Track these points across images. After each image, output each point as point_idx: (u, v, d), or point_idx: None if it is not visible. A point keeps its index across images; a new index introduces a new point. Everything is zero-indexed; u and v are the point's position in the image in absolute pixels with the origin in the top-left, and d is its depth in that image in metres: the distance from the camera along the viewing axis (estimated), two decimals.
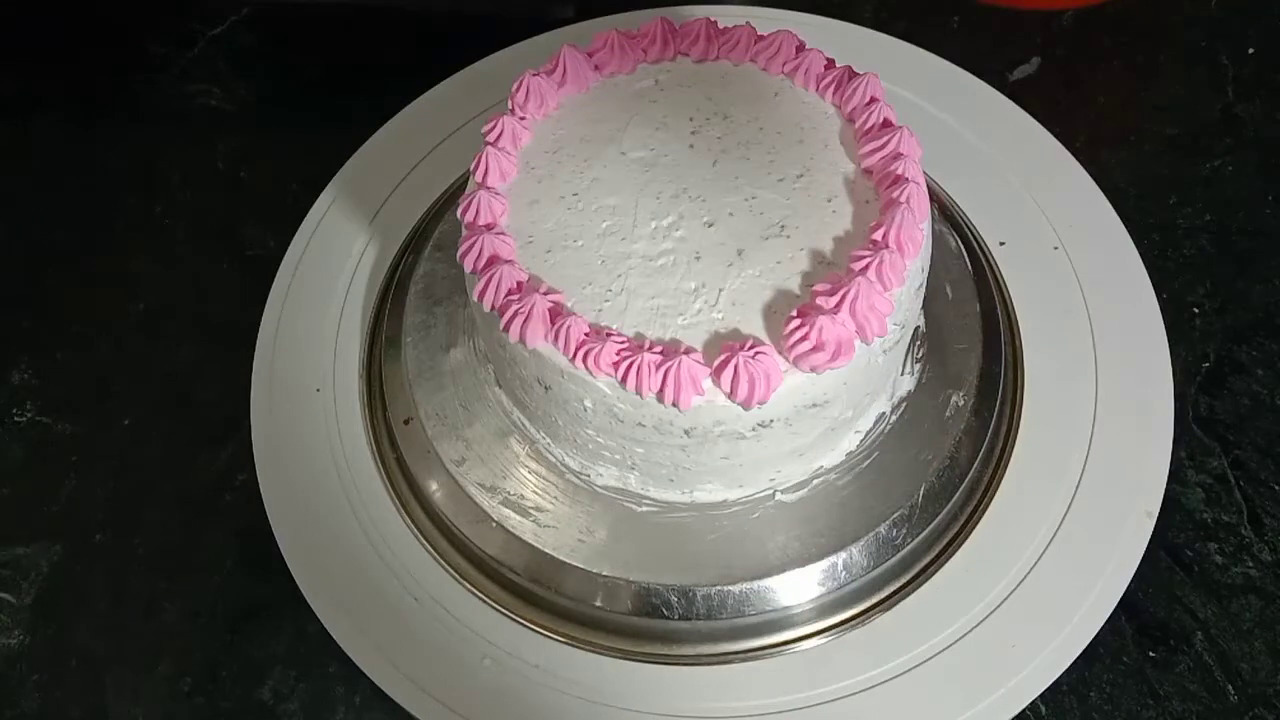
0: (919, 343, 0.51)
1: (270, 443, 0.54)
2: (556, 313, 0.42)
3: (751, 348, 0.40)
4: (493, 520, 0.48)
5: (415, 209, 0.60)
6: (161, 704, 0.49)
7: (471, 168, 0.46)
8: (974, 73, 0.63)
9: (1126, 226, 0.57)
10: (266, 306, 0.57)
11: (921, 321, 0.51)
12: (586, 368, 0.41)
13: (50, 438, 0.57)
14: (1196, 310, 0.56)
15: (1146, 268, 0.56)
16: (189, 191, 0.65)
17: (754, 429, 0.43)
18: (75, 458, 0.56)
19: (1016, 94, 0.62)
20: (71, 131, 0.69)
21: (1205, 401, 0.54)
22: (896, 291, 0.42)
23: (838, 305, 0.41)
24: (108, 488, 0.55)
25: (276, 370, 0.56)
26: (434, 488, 0.51)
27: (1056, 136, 0.60)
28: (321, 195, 0.61)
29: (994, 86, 0.62)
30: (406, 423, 0.52)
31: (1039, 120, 0.61)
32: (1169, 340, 0.54)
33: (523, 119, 0.47)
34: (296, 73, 0.71)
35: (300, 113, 0.69)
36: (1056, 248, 0.57)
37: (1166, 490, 0.50)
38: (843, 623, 0.48)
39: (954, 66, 0.63)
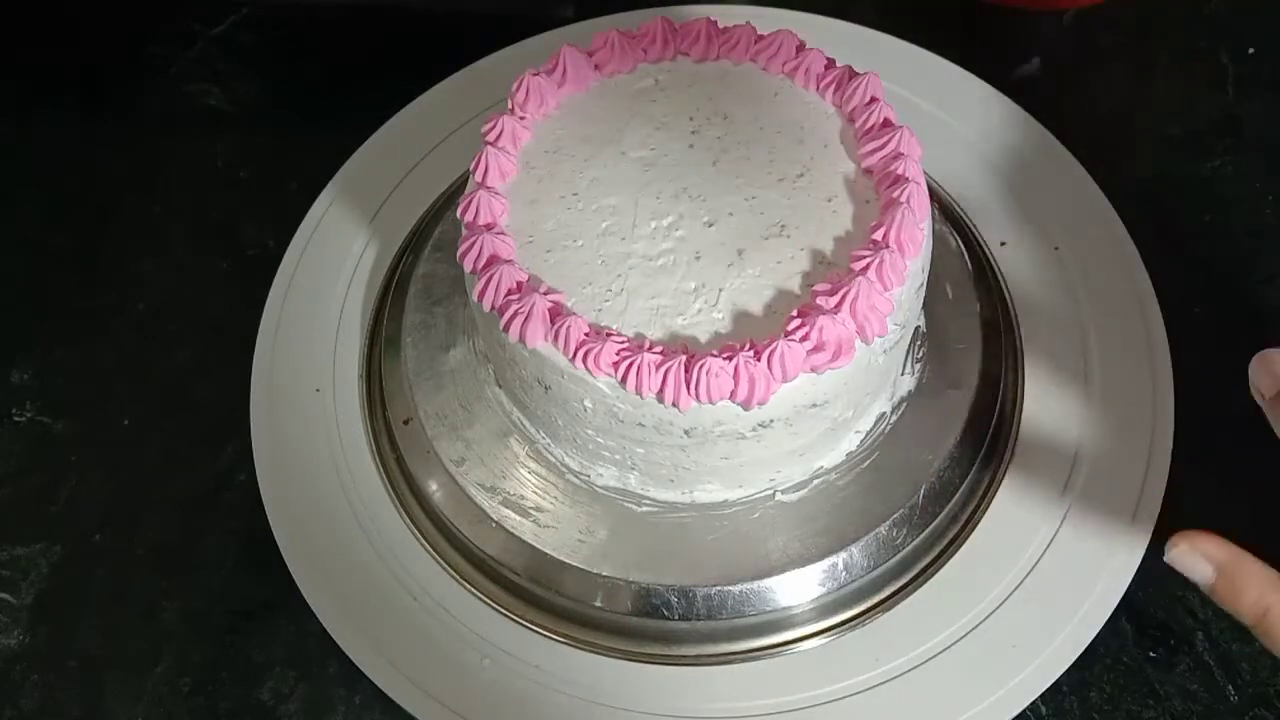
0: (919, 343, 0.51)
1: (270, 443, 0.54)
2: (556, 313, 0.42)
3: (752, 348, 0.40)
4: (492, 520, 0.48)
5: (415, 209, 0.60)
6: (161, 704, 0.49)
7: (471, 167, 0.46)
8: (974, 73, 0.63)
9: (1126, 226, 0.57)
10: (266, 306, 0.57)
11: (922, 321, 0.51)
12: (586, 368, 0.41)
13: (50, 438, 0.57)
14: (1197, 310, 0.56)
15: (1146, 267, 0.56)
16: (189, 191, 0.65)
17: (754, 429, 0.43)
18: (75, 458, 0.56)
19: (1016, 94, 0.62)
20: (71, 132, 0.69)
21: (1205, 402, 0.53)
22: (897, 291, 0.42)
23: (838, 305, 0.41)
24: (108, 488, 0.55)
25: (276, 370, 0.55)
26: (434, 488, 0.51)
27: (1056, 136, 0.60)
28: (321, 195, 0.61)
29: (994, 86, 0.62)
30: (406, 423, 0.52)
31: (1039, 120, 0.61)
32: (1169, 340, 0.53)
33: (523, 119, 0.47)
34: (296, 73, 0.71)
35: (300, 113, 0.69)
36: (1057, 248, 0.57)
37: (1166, 491, 0.50)
38: (843, 623, 0.48)
39: (954, 66, 0.63)
